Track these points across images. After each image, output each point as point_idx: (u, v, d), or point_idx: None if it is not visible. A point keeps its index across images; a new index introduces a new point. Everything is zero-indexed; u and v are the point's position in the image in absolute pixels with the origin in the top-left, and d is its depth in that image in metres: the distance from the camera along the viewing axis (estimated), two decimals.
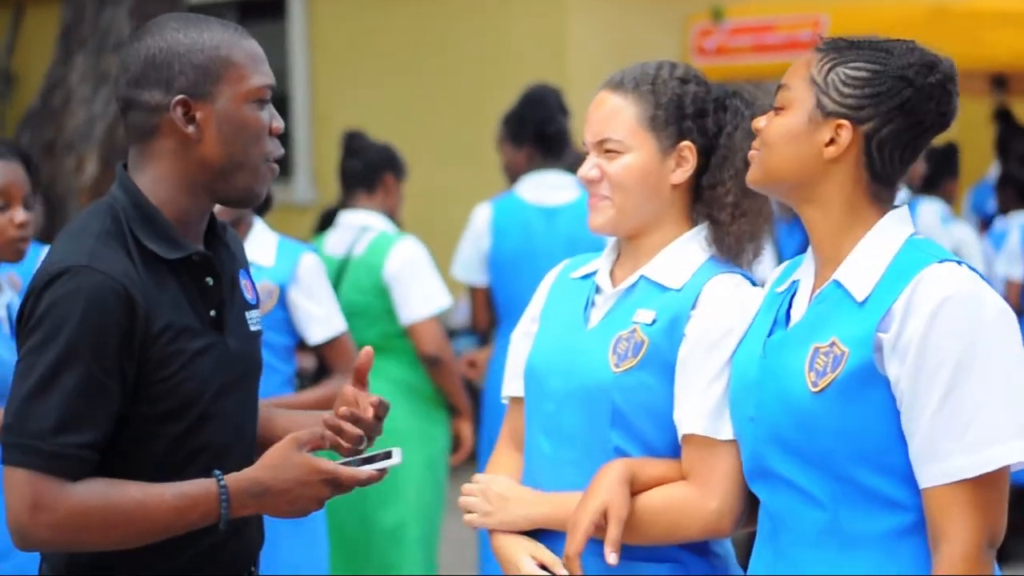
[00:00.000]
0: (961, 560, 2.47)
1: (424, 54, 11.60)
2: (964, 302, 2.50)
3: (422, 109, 11.49)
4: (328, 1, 12.21)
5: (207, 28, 2.75)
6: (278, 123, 2.79)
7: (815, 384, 2.57)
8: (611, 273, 3.10)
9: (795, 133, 2.65)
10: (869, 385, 2.54)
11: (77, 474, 2.62)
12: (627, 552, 2.87)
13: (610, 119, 3.04)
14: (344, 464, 2.73)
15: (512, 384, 3.21)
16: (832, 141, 2.62)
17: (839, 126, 2.61)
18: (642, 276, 3.03)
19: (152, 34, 2.75)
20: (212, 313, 2.78)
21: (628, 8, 11.26)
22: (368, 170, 6.19)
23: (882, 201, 2.67)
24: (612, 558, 2.79)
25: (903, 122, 2.62)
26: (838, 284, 2.63)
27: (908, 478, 2.54)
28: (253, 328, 2.91)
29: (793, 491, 2.63)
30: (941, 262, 2.55)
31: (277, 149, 2.80)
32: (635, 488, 2.88)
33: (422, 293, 5.96)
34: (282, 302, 4.99)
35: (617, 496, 2.83)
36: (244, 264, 2.98)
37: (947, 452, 2.47)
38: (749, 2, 10.70)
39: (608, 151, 3.03)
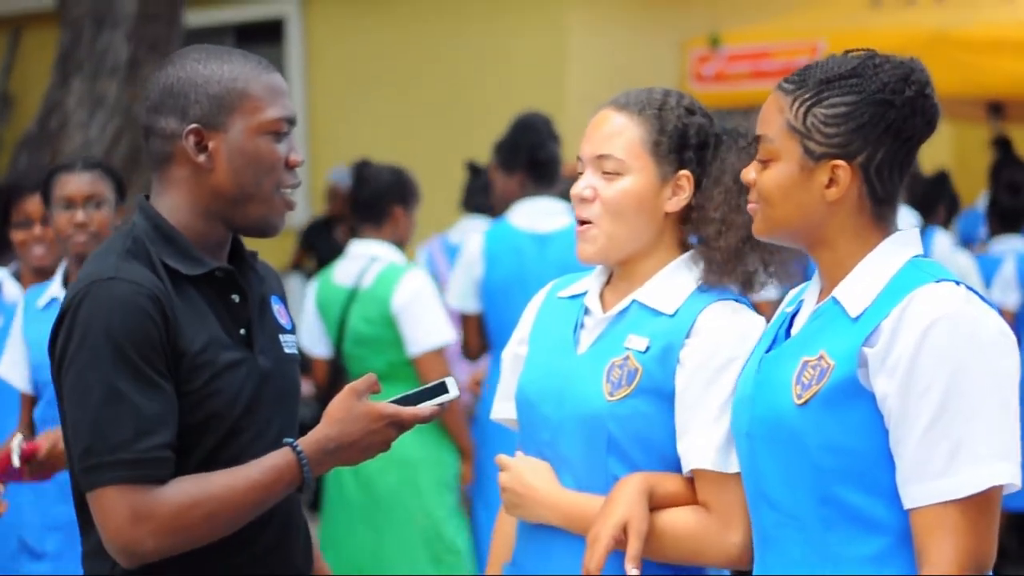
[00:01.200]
0: None
1: (421, 77, 11.60)
2: (957, 322, 2.47)
3: (419, 131, 11.49)
4: (325, 24, 12.22)
5: (228, 60, 2.81)
6: (295, 156, 2.83)
7: (800, 396, 2.56)
8: (601, 295, 3.08)
9: (790, 185, 2.62)
10: (853, 400, 2.52)
11: (164, 476, 2.67)
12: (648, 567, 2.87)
13: (613, 137, 3.01)
14: (401, 403, 2.80)
15: (502, 405, 3.20)
16: (832, 182, 2.59)
17: (835, 167, 2.58)
18: (634, 300, 3.00)
19: (174, 63, 2.82)
20: (242, 331, 2.83)
21: (626, 34, 11.27)
22: (375, 201, 6.20)
23: (886, 221, 2.65)
24: (633, 572, 2.78)
25: (893, 143, 2.60)
26: (835, 301, 2.61)
27: (894, 498, 2.51)
28: (288, 351, 2.95)
29: (778, 512, 2.62)
30: (939, 281, 2.53)
31: (293, 181, 2.84)
32: (652, 503, 2.87)
33: (428, 326, 6.01)
34: None
35: (637, 510, 2.82)
36: (277, 291, 3.02)
37: (934, 473, 2.44)
38: (747, 28, 10.71)
39: (606, 173, 3.00)
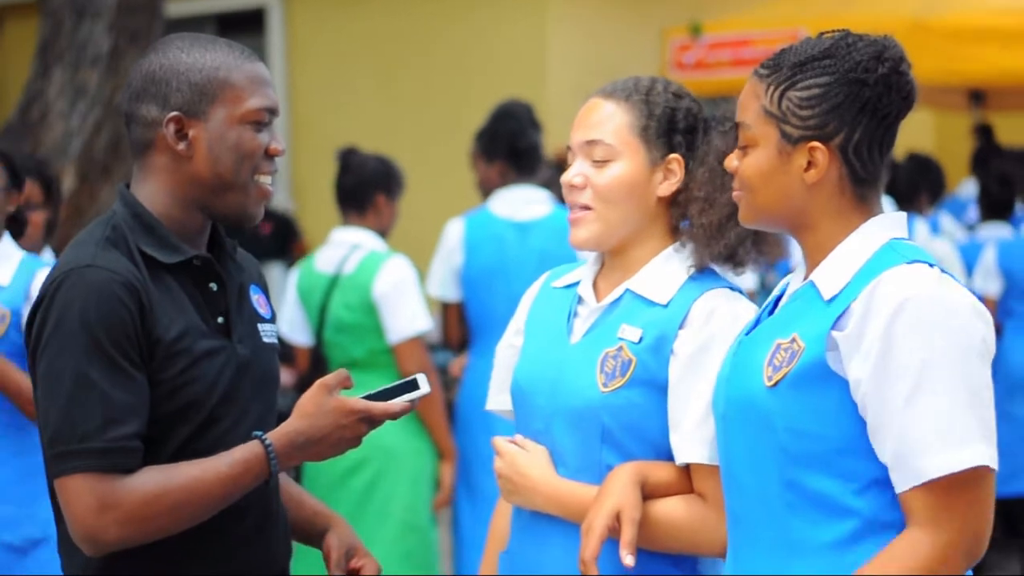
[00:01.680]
0: (934, 558, 2.42)
1: (403, 65, 11.59)
2: (925, 302, 2.46)
3: (401, 120, 11.48)
4: (307, 13, 12.20)
5: (212, 49, 2.81)
6: (276, 145, 2.83)
7: (770, 379, 2.56)
8: (594, 284, 3.08)
9: (770, 170, 2.61)
10: (822, 383, 2.51)
11: (132, 466, 2.67)
12: (623, 572, 2.86)
13: (603, 123, 3.01)
14: (372, 399, 2.80)
15: (498, 398, 3.19)
16: (810, 165, 2.59)
17: (812, 149, 2.58)
18: (627, 290, 3.00)
19: (157, 51, 2.82)
20: (220, 320, 2.83)
21: (607, 23, 11.27)
22: (359, 189, 6.18)
23: (868, 202, 2.63)
24: (628, 560, 2.79)
25: (870, 121, 2.58)
26: (812, 284, 2.61)
27: (860, 484, 2.50)
28: (267, 340, 2.95)
29: (746, 494, 2.62)
30: (911, 263, 2.52)
31: (270, 169, 2.84)
32: (645, 492, 2.87)
33: (408, 313, 6.00)
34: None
35: (629, 498, 2.82)
36: (257, 280, 3.02)
37: (916, 453, 2.43)
38: (727, 17, 10.72)
39: (596, 161, 3.00)
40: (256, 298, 2.97)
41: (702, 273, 3.00)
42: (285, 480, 3.07)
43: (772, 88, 2.61)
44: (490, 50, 11.25)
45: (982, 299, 8.32)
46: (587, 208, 3.01)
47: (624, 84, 3.06)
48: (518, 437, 3.06)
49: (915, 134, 12.37)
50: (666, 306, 2.95)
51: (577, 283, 3.11)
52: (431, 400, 5.93)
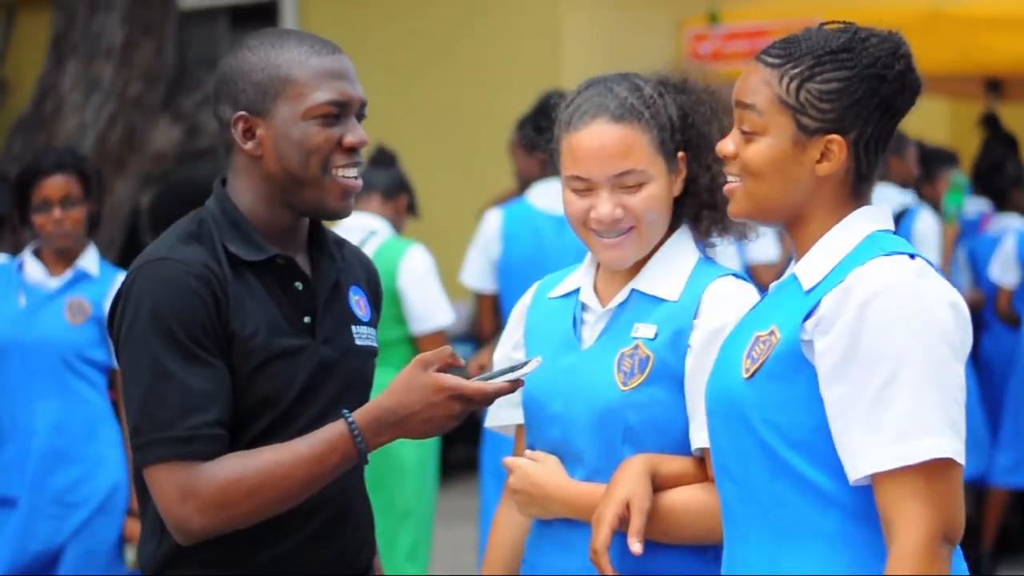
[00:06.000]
0: (911, 553, 2.41)
1: (417, 59, 11.58)
2: (899, 294, 2.45)
3: (415, 113, 11.47)
4: (320, 6, 12.19)
5: (280, 46, 2.82)
6: (351, 138, 2.81)
7: (748, 371, 2.56)
8: (595, 289, 3.05)
9: (781, 159, 2.59)
10: (796, 372, 2.51)
11: (212, 453, 2.67)
12: (643, 566, 2.85)
13: (628, 153, 2.92)
14: (475, 379, 2.75)
15: (497, 413, 3.14)
16: (823, 157, 2.58)
17: (829, 142, 2.57)
18: (633, 290, 2.97)
19: (234, 52, 2.84)
20: (306, 319, 2.83)
21: (623, 13, 11.25)
22: (390, 182, 6.24)
23: (862, 197, 2.63)
24: (636, 547, 2.77)
25: (882, 118, 2.59)
26: (794, 276, 2.61)
27: (840, 471, 2.49)
28: (360, 343, 2.93)
29: (736, 484, 2.61)
30: (889, 255, 2.51)
31: (346, 162, 2.81)
32: (656, 483, 2.85)
33: (432, 306, 6.01)
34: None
35: (639, 488, 2.81)
36: (363, 281, 3.01)
37: (879, 442, 2.41)
38: (744, 6, 10.68)
39: (629, 187, 2.92)
40: (356, 299, 2.97)
41: (704, 263, 2.99)
42: None
43: (787, 79, 2.58)
44: (506, 43, 11.23)
45: (996, 290, 8.31)
46: (629, 230, 2.94)
47: (620, 103, 2.95)
48: (527, 451, 3.03)
49: (930, 124, 12.32)
50: (677, 301, 2.93)
51: (576, 291, 3.07)
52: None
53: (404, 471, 6.01)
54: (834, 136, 2.56)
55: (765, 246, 7.06)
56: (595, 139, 2.94)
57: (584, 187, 2.95)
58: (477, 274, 6.57)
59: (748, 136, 2.61)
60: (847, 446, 2.46)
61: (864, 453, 2.43)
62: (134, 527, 5.17)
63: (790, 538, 2.54)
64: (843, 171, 2.59)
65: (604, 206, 2.92)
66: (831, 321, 2.47)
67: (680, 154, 2.98)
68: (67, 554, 5.28)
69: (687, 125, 2.99)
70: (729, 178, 2.65)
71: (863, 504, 2.49)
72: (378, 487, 5.99)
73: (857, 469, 2.44)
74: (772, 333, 2.55)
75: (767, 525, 2.56)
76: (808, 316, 2.51)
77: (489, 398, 2.73)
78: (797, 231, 2.64)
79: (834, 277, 2.52)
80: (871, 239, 2.57)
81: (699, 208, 3.01)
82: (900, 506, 2.42)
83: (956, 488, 2.46)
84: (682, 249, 2.99)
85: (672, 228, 3.02)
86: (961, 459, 2.45)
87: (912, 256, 2.52)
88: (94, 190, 5.29)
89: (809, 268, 2.58)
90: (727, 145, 2.64)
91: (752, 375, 2.54)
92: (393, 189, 6.24)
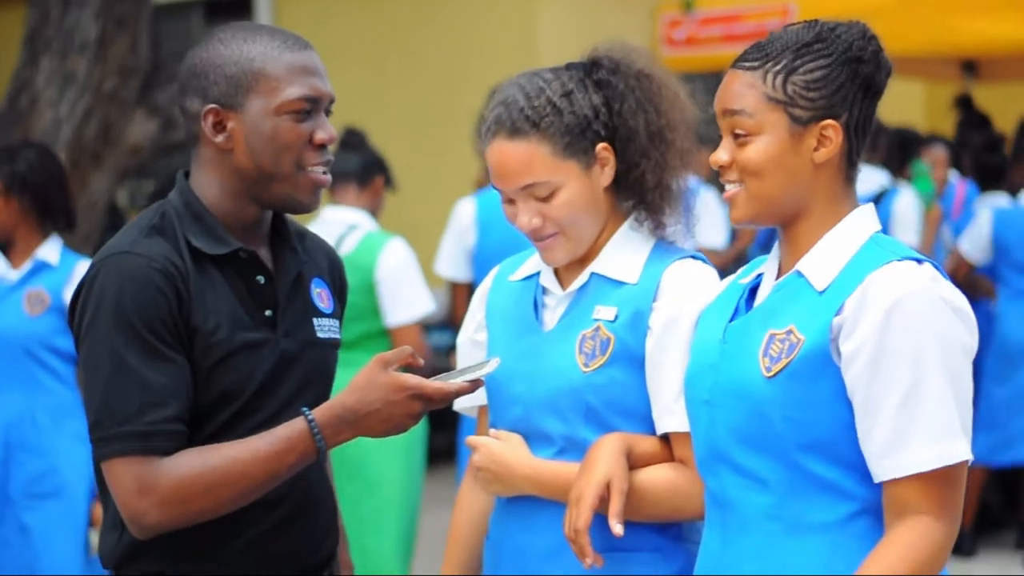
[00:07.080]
0: (944, 546, 2.50)
1: (392, 48, 11.57)
2: (918, 300, 2.51)
3: (390, 103, 11.46)
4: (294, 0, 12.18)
5: (252, 40, 2.80)
6: (322, 134, 2.81)
7: (768, 369, 2.58)
8: (555, 272, 3.07)
9: (780, 153, 2.62)
10: (822, 373, 2.55)
11: (171, 449, 2.67)
12: (610, 543, 2.87)
13: (527, 168, 2.94)
14: (435, 378, 2.74)
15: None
16: (820, 144, 2.62)
17: (824, 127, 2.61)
18: (593, 273, 3.00)
19: (203, 45, 2.82)
20: (267, 313, 2.82)
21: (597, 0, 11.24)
22: (363, 167, 6.22)
23: (852, 183, 2.69)
24: (618, 529, 2.79)
25: (864, 98, 2.64)
26: (799, 274, 2.63)
27: (857, 468, 2.55)
28: (322, 335, 2.92)
29: (742, 476, 2.63)
30: (901, 260, 2.56)
31: (318, 159, 2.81)
32: (630, 462, 2.87)
33: (409, 298, 6.00)
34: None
35: (618, 469, 2.83)
36: (326, 273, 3.00)
37: (907, 445, 2.48)
38: None
39: (540, 198, 2.95)
40: (318, 292, 2.96)
41: (661, 245, 3.01)
42: None
43: (772, 76, 2.62)
44: (481, 29, 11.23)
45: (958, 257, 8.29)
46: (552, 235, 2.98)
47: (519, 113, 2.95)
48: (491, 431, 3.05)
49: (905, 105, 12.35)
50: (636, 284, 2.95)
51: (536, 274, 3.09)
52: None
53: (391, 458, 6.02)
54: (829, 121, 2.61)
55: (713, 232, 7.10)
56: (496, 157, 2.98)
57: (506, 197, 3.00)
58: (451, 263, 6.57)
59: (742, 140, 2.64)
60: (875, 447, 2.51)
61: (896, 455, 2.49)
62: (100, 512, 5.21)
63: (799, 529, 2.58)
64: (838, 156, 2.63)
65: (522, 216, 2.98)
66: (854, 323, 2.52)
67: (601, 145, 2.98)
68: (34, 543, 5.34)
69: (613, 115, 2.99)
70: (727, 186, 2.68)
71: (873, 499, 2.56)
72: (361, 477, 6.01)
73: (889, 470, 2.50)
74: (791, 333, 2.58)
75: (777, 512, 2.59)
76: (835, 317, 2.55)
77: (449, 397, 2.74)
78: (794, 228, 2.67)
79: (848, 278, 2.57)
80: (874, 241, 2.63)
81: (634, 198, 3.03)
82: (924, 502, 2.49)
83: (961, 496, 2.55)
84: (638, 232, 3.02)
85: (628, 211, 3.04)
86: (970, 455, 2.54)
87: (919, 261, 2.58)
88: (16, 187, 5.39)
89: (817, 268, 2.62)
90: (720, 155, 2.67)
91: (775, 374, 2.57)
92: (366, 173, 6.23)
